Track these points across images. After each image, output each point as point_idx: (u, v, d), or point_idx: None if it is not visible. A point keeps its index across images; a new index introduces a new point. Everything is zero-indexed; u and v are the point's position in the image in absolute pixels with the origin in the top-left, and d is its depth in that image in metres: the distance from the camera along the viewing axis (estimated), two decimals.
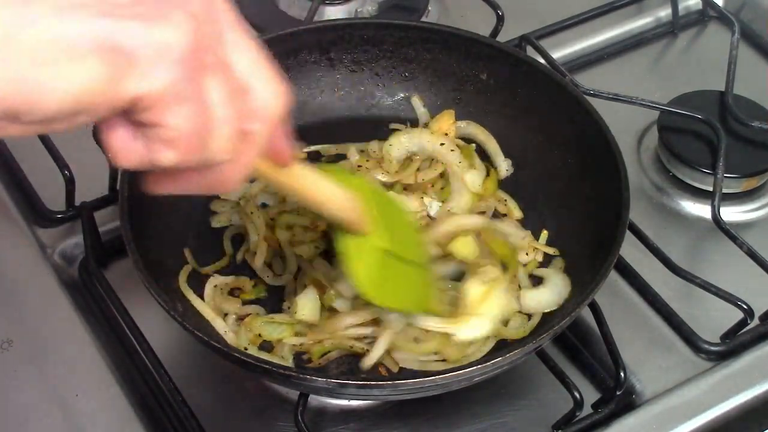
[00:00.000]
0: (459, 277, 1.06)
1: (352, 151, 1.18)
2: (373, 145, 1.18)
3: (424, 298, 1.00)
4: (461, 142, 1.18)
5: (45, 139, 1.17)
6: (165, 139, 0.59)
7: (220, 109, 0.61)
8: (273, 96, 0.65)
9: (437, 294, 1.02)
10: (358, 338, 1.01)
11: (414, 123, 1.21)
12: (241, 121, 0.63)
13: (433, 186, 1.15)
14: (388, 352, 1.00)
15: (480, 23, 1.31)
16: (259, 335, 1.01)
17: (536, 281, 1.08)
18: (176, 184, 0.66)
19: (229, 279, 1.06)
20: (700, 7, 1.47)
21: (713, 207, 1.14)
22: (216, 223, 1.11)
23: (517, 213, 1.14)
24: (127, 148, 0.61)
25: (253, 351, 0.99)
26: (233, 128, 0.62)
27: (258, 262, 1.07)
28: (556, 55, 1.34)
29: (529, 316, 1.04)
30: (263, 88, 0.64)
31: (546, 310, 1.04)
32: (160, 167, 0.62)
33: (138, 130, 0.60)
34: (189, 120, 0.59)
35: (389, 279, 0.93)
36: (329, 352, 1.01)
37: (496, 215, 1.14)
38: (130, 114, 0.59)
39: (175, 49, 0.57)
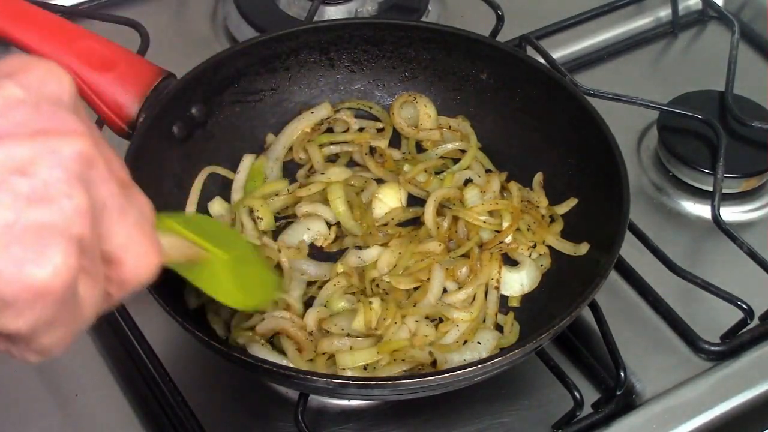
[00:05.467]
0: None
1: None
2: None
3: (272, 283, 1.00)
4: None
5: None
6: (36, 350, 0.61)
7: (88, 303, 0.61)
8: (142, 269, 0.65)
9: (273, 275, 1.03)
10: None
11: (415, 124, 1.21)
12: (107, 287, 0.63)
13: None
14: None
15: (480, 23, 1.31)
16: None
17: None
18: None
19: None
20: (700, 7, 1.47)
21: (713, 207, 1.14)
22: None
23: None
24: None
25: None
26: (97, 305, 0.63)
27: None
28: (556, 55, 1.34)
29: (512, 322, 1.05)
30: (133, 262, 0.64)
31: (527, 292, 1.07)
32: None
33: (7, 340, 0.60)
34: (59, 335, 0.60)
35: (247, 280, 0.92)
36: None
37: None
38: None
39: (49, 291, 0.56)
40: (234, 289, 0.87)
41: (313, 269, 1.07)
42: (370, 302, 1.01)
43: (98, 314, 0.64)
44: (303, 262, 1.07)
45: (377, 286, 1.05)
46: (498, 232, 1.11)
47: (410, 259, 1.07)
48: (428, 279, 1.05)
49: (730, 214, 1.20)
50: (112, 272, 0.63)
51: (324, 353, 0.99)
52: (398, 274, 1.06)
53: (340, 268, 1.06)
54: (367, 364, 0.98)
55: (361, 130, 1.21)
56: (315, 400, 1.00)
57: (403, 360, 0.98)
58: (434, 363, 0.98)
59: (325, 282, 1.05)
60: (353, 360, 0.98)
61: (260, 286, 0.96)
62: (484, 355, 1.00)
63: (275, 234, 1.11)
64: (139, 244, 0.64)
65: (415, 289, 1.05)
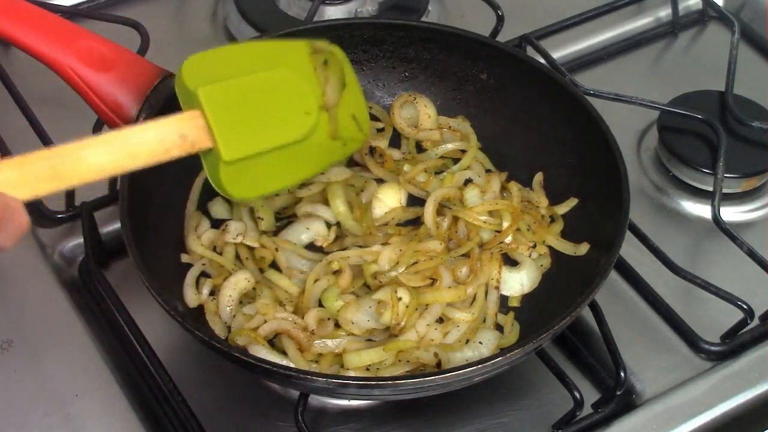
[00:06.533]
0: None
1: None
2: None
3: (316, 154, 1.01)
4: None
5: (45, 139, 1.17)
6: None
7: None
8: None
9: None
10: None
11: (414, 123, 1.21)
12: None
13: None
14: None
15: (480, 23, 1.31)
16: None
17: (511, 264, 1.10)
18: None
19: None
20: (700, 7, 1.47)
21: (713, 207, 1.14)
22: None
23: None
24: None
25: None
26: None
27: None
28: (556, 55, 1.34)
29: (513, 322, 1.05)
30: None
31: (527, 292, 1.07)
32: None
33: None
34: None
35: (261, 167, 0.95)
36: None
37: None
38: None
39: None
40: (232, 176, 0.93)
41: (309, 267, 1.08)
42: (400, 297, 1.02)
43: None
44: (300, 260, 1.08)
45: (380, 282, 1.05)
46: (498, 232, 1.11)
47: (412, 257, 1.07)
48: (435, 279, 1.05)
49: (730, 214, 1.20)
50: None
51: (329, 353, 0.99)
52: (406, 273, 1.06)
53: (335, 265, 1.06)
54: (371, 365, 0.98)
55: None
56: (315, 400, 1.01)
57: (407, 361, 0.98)
58: (439, 364, 0.99)
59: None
60: (360, 360, 0.98)
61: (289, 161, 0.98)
62: (486, 354, 1.00)
63: (275, 234, 1.11)
64: None
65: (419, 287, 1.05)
